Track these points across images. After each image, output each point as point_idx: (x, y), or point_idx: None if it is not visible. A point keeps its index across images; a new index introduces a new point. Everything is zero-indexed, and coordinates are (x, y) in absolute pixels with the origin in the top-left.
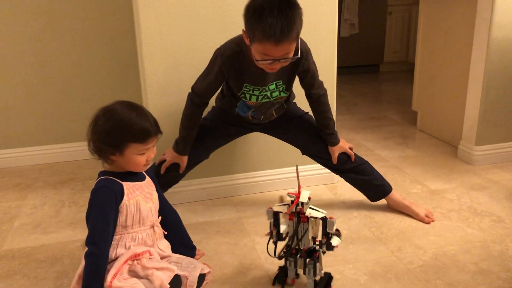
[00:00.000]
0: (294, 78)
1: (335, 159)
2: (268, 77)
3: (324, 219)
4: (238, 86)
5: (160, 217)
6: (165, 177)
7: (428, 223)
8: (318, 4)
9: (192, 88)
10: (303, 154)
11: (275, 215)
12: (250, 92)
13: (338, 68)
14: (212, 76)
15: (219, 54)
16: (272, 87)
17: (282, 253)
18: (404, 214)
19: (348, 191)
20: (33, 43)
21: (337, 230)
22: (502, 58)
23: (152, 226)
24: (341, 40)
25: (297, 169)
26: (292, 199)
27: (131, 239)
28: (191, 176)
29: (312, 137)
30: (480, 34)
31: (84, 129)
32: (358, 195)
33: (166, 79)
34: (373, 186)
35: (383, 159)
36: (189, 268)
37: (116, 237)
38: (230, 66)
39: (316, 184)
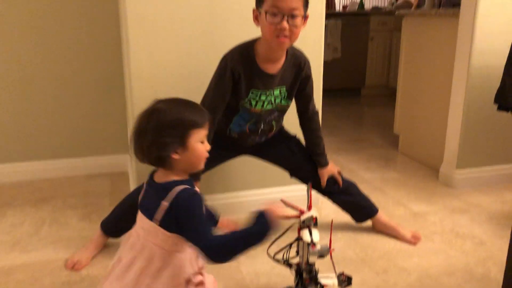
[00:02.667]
0: (295, 86)
1: (324, 182)
2: (274, 80)
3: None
4: (246, 91)
5: None
6: None
7: (415, 244)
8: (305, 29)
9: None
10: (291, 176)
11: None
12: (257, 98)
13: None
14: (223, 83)
15: (228, 59)
16: (276, 92)
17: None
18: (388, 236)
19: (333, 212)
20: (18, 60)
21: (348, 277)
22: (482, 85)
23: None
24: (323, 64)
25: (309, 186)
26: (293, 211)
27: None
28: None
29: (303, 159)
30: (460, 61)
31: (65, 146)
32: (342, 216)
33: (154, 96)
34: (359, 207)
35: (366, 180)
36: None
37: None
38: (241, 68)
39: (300, 205)
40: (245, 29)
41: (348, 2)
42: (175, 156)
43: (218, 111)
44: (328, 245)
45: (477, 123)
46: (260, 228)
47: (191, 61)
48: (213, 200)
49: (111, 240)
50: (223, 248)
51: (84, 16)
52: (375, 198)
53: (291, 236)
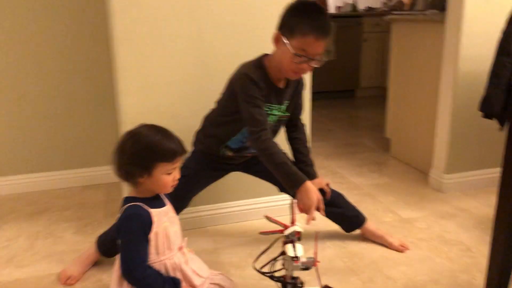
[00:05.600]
0: (294, 98)
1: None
2: (285, 95)
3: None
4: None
5: (186, 238)
6: None
7: (402, 251)
8: None
9: (252, 131)
10: (281, 191)
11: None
12: (270, 112)
13: (315, 93)
14: (260, 99)
15: (249, 74)
16: (283, 107)
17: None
18: (377, 244)
19: (322, 220)
20: (12, 74)
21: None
22: (470, 90)
23: (180, 249)
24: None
25: (292, 203)
26: (277, 226)
27: (164, 266)
28: None
29: None
30: (447, 66)
31: (60, 158)
32: (332, 224)
33: (142, 114)
34: (347, 217)
35: (357, 186)
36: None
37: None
38: (262, 83)
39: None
40: (232, 44)
41: (342, 3)
42: (141, 180)
43: (267, 123)
44: (314, 257)
45: (465, 128)
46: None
47: (178, 77)
48: (210, 210)
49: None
50: (133, 279)
51: (77, 31)
52: (365, 204)
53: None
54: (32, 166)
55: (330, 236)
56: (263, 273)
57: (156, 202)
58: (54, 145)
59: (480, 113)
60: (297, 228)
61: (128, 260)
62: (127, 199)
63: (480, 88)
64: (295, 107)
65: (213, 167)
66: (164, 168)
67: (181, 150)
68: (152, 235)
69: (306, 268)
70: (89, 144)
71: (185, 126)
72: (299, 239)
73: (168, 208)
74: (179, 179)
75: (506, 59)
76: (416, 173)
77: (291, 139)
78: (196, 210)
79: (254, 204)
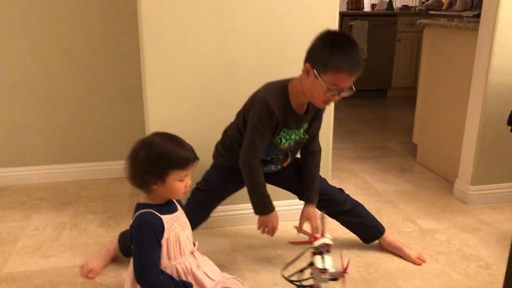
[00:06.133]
0: (313, 123)
1: (301, 224)
2: (304, 120)
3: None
4: (279, 130)
5: (197, 242)
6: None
7: (419, 264)
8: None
9: (247, 154)
10: (300, 199)
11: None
12: (287, 137)
13: None
14: (270, 127)
15: (270, 103)
16: (301, 130)
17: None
18: (394, 255)
19: (341, 227)
20: (45, 67)
21: None
22: (500, 102)
23: (192, 253)
24: None
25: (322, 216)
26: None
27: (175, 271)
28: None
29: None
30: (478, 76)
31: (89, 150)
32: (349, 232)
33: (168, 115)
34: (366, 228)
35: (379, 193)
36: None
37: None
38: (281, 112)
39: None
40: (256, 49)
41: (377, 0)
42: (154, 187)
43: (262, 152)
44: (341, 268)
45: (493, 139)
46: None
47: (203, 80)
48: (229, 211)
49: None
50: (146, 285)
51: (108, 26)
52: (385, 212)
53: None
54: (63, 157)
55: (347, 244)
56: (292, 282)
57: (168, 207)
58: (84, 138)
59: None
60: (326, 240)
61: (142, 266)
62: (139, 206)
63: (511, 100)
64: (314, 131)
65: (234, 180)
66: (177, 176)
67: (193, 157)
68: (163, 241)
69: (334, 279)
70: (118, 138)
71: (207, 128)
72: (327, 251)
73: (180, 213)
74: (201, 193)
75: None
76: (441, 181)
77: (304, 163)
78: (215, 210)
79: (277, 207)
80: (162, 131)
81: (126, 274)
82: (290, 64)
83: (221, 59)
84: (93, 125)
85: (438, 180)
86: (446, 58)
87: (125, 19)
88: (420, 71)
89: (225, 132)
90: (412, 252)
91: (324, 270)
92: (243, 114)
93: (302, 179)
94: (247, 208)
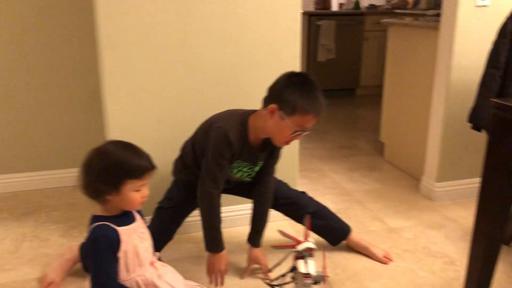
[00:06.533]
0: (268, 159)
1: (249, 267)
2: (260, 155)
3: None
4: (233, 161)
5: (157, 253)
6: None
7: (386, 263)
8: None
9: (208, 184)
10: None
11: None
12: (240, 168)
13: None
14: (225, 158)
15: (228, 136)
16: (257, 168)
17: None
18: (362, 254)
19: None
20: (1, 73)
21: None
22: (462, 99)
23: (152, 264)
24: (318, 65)
25: (307, 218)
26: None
27: (135, 283)
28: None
29: (285, 189)
30: (440, 74)
31: (52, 157)
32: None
33: (129, 119)
34: (331, 230)
35: (348, 192)
36: None
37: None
38: (238, 145)
39: (280, 219)
40: (219, 51)
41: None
42: (109, 198)
43: (223, 183)
44: (322, 272)
45: (456, 136)
46: None
47: (165, 83)
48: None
49: None
50: None
51: (66, 30)
52: (353, 211)
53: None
54: (24, 165)
55: (317, 244)
56: (273, 286)
57: (125, 219)
58: (47, 145)
59: None
60: (310, 244)
61: (98, 282)
62: (94, 218)
63: (473, 97)
64: (270, 166)
65: (195, 195)
66: (132, 185)
67: (150, 166)
68: (120, 254)
69: (315, 282)
70: (81, 144)
71: (170, 132)
72: (310, 255)
73: (138, 224)
74: (164, 211)
75: (496, 71)
76: (408, 179)
77: (257, 192)
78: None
79: (242, 210)
80: (118, 139)
81: (87, 286)
82: (253, 66)
83: (183, 61)
84: (55, 132)
85: (406, 178)
86: (409, 57)
87: (85, 21)
88: (385, 70)
89: (183, 149)
90: (378, 251)
91: (307, 275)
92: (200, 138)
93: (253, 218)
94: (235, 210)
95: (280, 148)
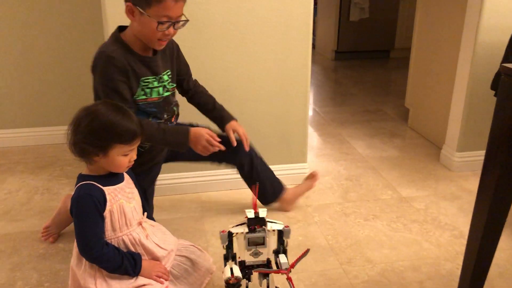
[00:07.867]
0: (175, 66)
1: (232, 138)
2: (158, 63)
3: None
4: (136, 82)
5: (145, 213)
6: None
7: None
8: None
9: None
10: (220, 163)
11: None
12: (151, 85)
13: (345, 52)
14: (121, 82)
15: (108, 53)
16: (165, 77)
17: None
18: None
19: (318, 194)
20: (20, 34)
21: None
22: (489, 63)
23: (140, 224)
24: (350, 25)
25: (256, 186)
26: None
27: (122, 242)
28: (161, 171)
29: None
30: (467, 36)
31: (69, 113)
32: (325, 198)
33: None
34: (271, 180)
35: (362, 159)
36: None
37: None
38: (124, 61)
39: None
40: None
41: None
42: (95, 159)
43: (132, 104)
44: (289, 263)
45: (481, 104)
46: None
47: None
48: (202, 176)
49: None
50: (90, 258)
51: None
52: (365, 179)
53: None
54: (42, 120)
55: (320, 210)
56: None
57: (112, 179)
58: (66, 101)
59: None
60: (262, 214)
61: (84, 240)
62: (81, 177)
63: (499, 61)
64: (181, 71)
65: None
66: (121, 150)
67: (140, 131)
68: (106, 213)
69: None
70: None
71: None
72: (260, 231)
73: (125, 184)
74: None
75: None
76: (430, 147)
77: (192, 98)
78: (187, 176)
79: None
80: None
81: (74, 245)
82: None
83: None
84: (72, 88)
85: (427, 146)
86: (438, 19)
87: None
88: (413, 32)
89: None
90: (307, 182)
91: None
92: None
93: (204, 108)
94: (223, 174)
95: (176, 46)
